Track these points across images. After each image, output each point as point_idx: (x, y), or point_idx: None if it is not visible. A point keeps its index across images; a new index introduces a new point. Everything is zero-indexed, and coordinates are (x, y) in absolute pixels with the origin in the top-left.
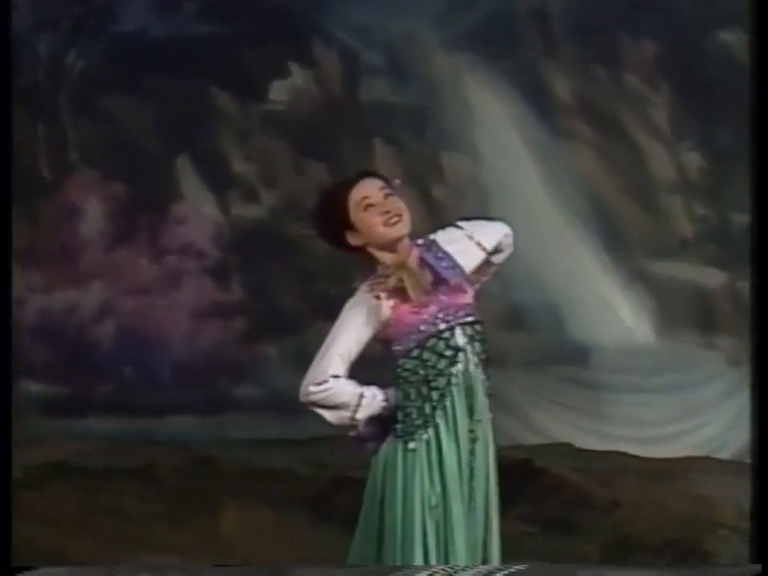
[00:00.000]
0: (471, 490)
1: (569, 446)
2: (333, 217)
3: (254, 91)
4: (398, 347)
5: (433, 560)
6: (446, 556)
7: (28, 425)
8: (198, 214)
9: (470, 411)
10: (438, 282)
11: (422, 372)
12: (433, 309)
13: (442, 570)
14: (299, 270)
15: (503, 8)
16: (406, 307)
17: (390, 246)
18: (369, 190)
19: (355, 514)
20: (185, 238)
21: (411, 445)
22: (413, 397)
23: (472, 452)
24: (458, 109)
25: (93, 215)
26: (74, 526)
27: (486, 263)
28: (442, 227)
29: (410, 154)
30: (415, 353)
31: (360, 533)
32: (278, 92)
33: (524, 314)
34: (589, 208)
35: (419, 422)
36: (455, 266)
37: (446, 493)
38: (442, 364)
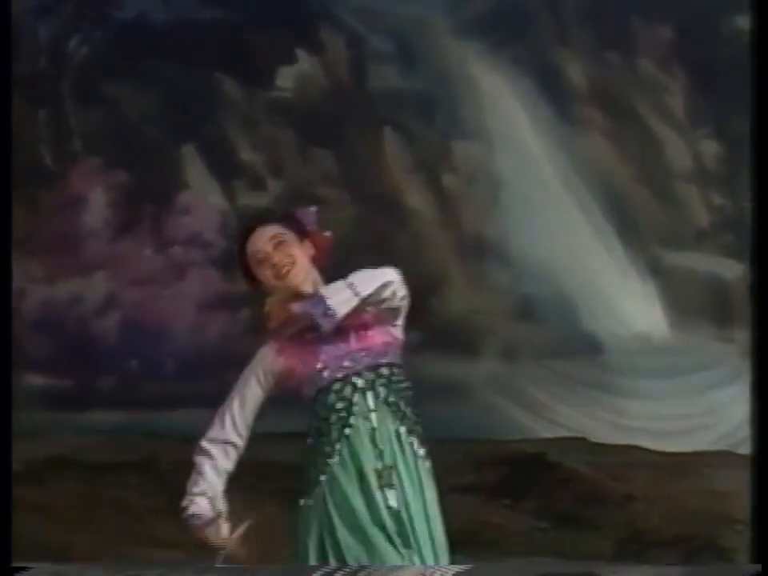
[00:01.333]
0: (414, 536)
1: (583, 440)
2: (242, 269)
3: (260, 78)
4: (305, 395)
5: None
6: None
7: (30, 418)
8: (204, 203)
9: (378, 458)
10: (316, 327)
11: (315, 425)
12: (323, 357)
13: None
14: None
15: None
16: (294, 359)
17: (293, 292)
18: (259, 243)
19: None
20: (190, 228)
21: (304, 502)
22: (311, 449)
23: (388, 499)
24: (469, 96)
25: (96, 204)
26: (77, 521)
27: (390, 308)
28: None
29: (420, 142)
30: (311, 405)
31: None
32: (285, 79)
33: (536, 306)
34: (602, 197)
35: (314, 476)
36: (327, 310)
37: (341, 550)
38: (334, 418)
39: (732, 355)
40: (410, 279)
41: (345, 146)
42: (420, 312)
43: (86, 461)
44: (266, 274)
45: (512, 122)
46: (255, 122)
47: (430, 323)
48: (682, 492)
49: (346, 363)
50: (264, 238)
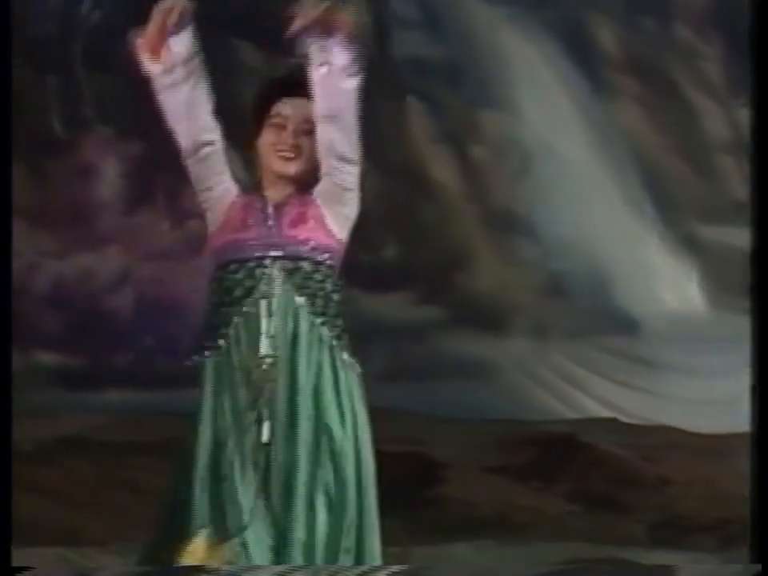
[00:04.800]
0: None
1: (614, 420)
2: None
3: (279, 44)
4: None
5: None
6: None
7: (41, 397)
8: None
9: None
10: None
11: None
12: (255, 233)
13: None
14: None
15: None
16: (238, 215)
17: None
18: (293, 114)
19: None
20: None
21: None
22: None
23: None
24: (497, 63)
25: (109, 175)
26: (90, 504)
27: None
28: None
29: (446, 112)
30: (219, 273)
31: None
32: (305, 45)
33: (567, 282)
34: (636, 169)
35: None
36: None
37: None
38: (228, 300)
39: None
40: (435, 254)
41: (367, 116)
42: (445, 288)
43: (101, 441)
44: (271, 144)
45: (542, 90)
46: None
47: (455, 299)
48: (720, 475)
49: (272, 253)
50: (299, 115)
